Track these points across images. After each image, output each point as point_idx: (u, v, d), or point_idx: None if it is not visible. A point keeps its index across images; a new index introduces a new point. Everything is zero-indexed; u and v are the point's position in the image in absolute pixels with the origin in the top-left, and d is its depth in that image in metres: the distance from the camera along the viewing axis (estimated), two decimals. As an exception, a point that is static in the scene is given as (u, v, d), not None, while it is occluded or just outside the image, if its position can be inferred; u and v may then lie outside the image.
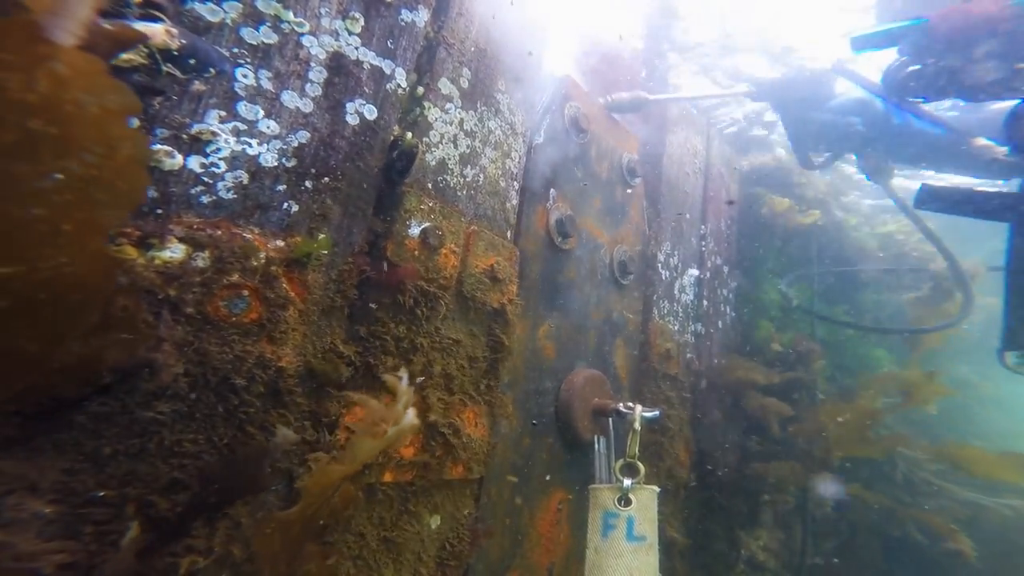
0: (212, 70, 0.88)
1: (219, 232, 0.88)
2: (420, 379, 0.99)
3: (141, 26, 0.76)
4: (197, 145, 0.90)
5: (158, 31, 0.78)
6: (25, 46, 0.60)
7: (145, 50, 0.77)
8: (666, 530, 2.12)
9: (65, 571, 0.65)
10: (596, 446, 1.72)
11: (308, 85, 1.06)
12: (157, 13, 0.79)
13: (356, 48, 1.15)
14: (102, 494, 0.71)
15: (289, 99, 1.03)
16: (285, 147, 1.02)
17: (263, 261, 0.92)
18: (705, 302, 2.60)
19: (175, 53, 0.79)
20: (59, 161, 0.63)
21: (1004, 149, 2.14)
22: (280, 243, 0.98)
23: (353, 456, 0.80)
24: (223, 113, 0.94)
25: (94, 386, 0.71)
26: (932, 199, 2.07)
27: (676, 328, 2.35)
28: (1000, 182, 2.52)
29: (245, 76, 0.97)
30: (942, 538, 2.82)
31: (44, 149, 0.62)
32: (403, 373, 0.93)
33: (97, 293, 0.69)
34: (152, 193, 0.85)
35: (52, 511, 0.66)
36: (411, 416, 0.89)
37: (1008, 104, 1.98)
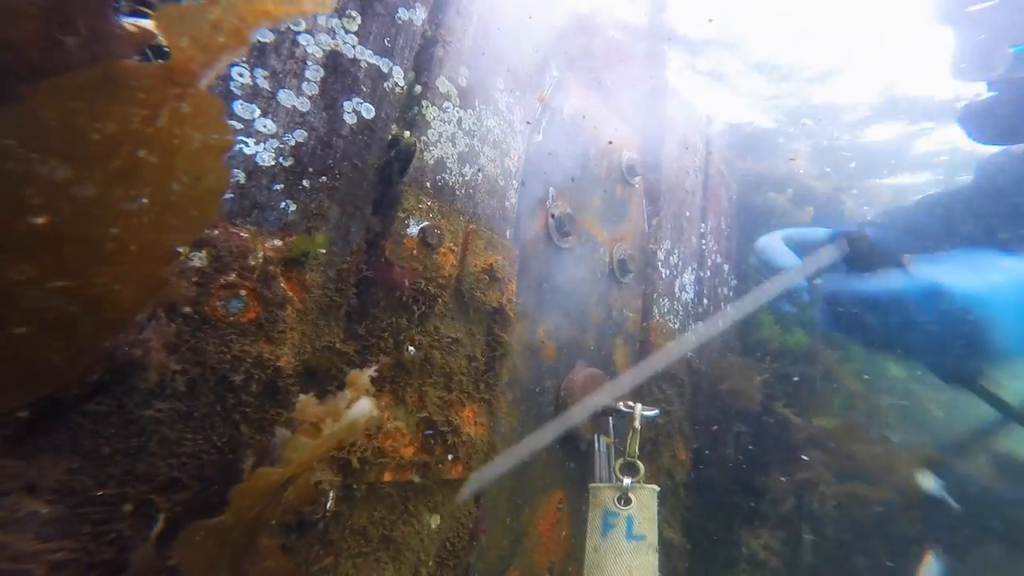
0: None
1: (216, 231, 0.88)
2: (373, 371, 0.93)
3: (130, 21, 0.76)
4: (194, 144, 0.90)
5: (147, 26, 0.77)
6: (159, 87, 0.66)
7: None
8: (666, 529, 2.12)
9: (63, 571, 0.65)
10: (596, 445, 1.72)
11: (305, 84, 1.06)
12: (145, 9, 0.79)
13: (353, 46, 1.15)
14: (100, 493, 0.71)
15: (286, 98, 1.03)
16: (282, 146, 1.02)
17: (261, 260, 0.92)
18: (705, 300, 2.60)
19: (165, 49, 0.79)
20: (149, 187, 0.67)
21: None
22: (278, 242, 0.97)
23: (288, 459, 0.76)
24: (220, 112, 0.94)
25: (91, 386, 0.71)
26: None
27: (676, 327, 2.34)
28: None
29: (241, 75, 0.97)
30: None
31: (142, 175, 0.66)
32: (370, 371, 0.89)
33: (132, 312, 0.72)
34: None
35: (50, 511, 0.66)
36: (362, 409, 0.83)
37: None
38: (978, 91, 2.00)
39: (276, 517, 0.85)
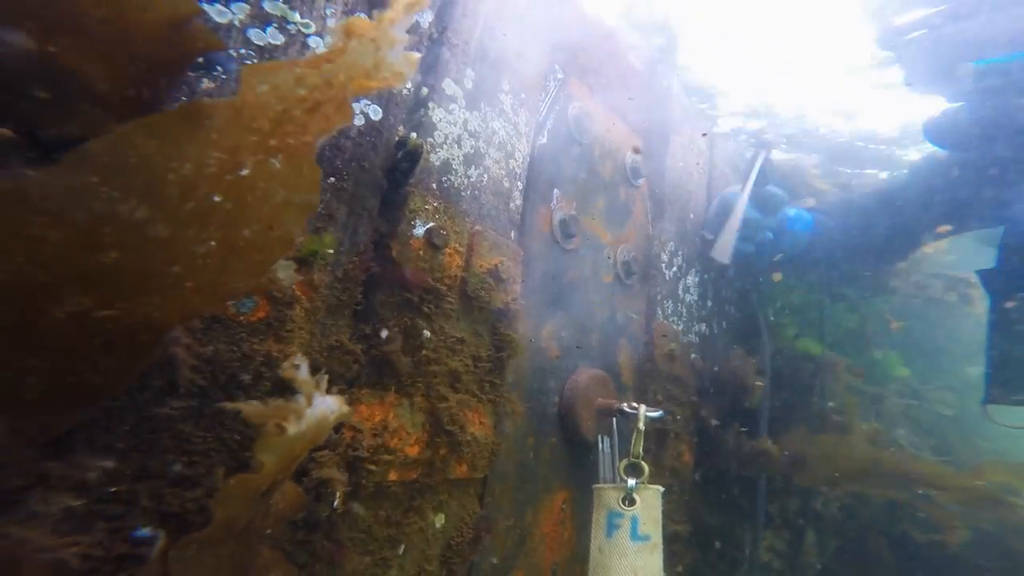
0: (219, 69, 0.89)
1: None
2: (298, 360, 0.86)
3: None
4: (205, 146, 0.91)
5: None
6: (232, 129, 0.65)
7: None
8: (670, 529, 2.12)
9: (81, 564, 0.66)
10: (600, 446, 1.72)
11: (314, 86, 1.07)
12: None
13: (361, 49, 1.16)
14: (115, 489, 0.71)
15: (295, 100, 1.04)
16: (291, 147, 1.03)
17: (270, 260, 0.93)
18: (709, 302, 2.60)
19: None
20: (220, 231, 0.67)
21: None
22: (287, 243, 0.98)
23: (260, 464, 0.74)
24: (230, 114, 0.95)
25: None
26: None
27: (680, 328, 2.34)
28: None
29: (252, 77, 0.98)
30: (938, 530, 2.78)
31: (214, 219, 0.66)
32: (300, 362, 0.84)
33: (163, 336, 0.72)
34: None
35: (67, 506, 0.67)
36: (328, 406, 0.80)
37: None
38: (936, 103, 2.24)
39: (269, 527, 0.84)
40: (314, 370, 1.03)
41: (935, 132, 2.18)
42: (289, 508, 0.86)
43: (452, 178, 1.38)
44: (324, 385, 0.83)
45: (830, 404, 2.75)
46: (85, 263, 0.59)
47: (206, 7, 0.91)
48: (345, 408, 0.84)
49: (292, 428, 0.76)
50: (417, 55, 0.76)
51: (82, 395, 0.66)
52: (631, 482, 1.52)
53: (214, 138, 0.64)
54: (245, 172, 0.66)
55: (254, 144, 0.67)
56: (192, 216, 0.64)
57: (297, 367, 0.83)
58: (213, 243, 0.66)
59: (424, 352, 1.23)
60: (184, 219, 0.64)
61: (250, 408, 0.77)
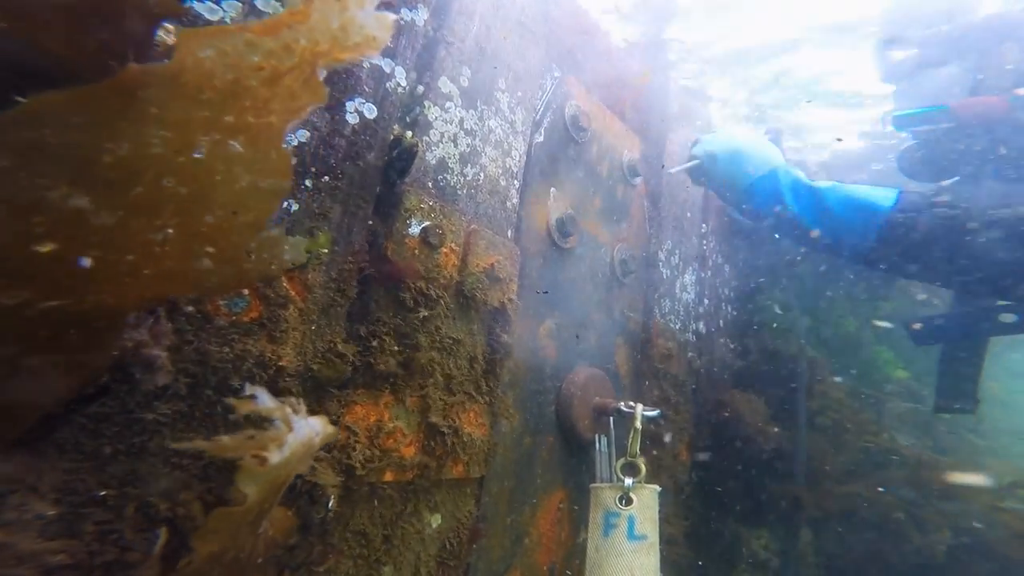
0: None
1: (219, 231, 0.87)
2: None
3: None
4: (196, 144, 0.90)
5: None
6: (173, 101, 0.58)
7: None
8: (667, 529, 2.12)
9: (66, 571, 0.65)
10: (597, 445, 1.72)
11: (308, 84, 1.06)
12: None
13: (356, 47, 1.15)
14: (103, 494, 0.70)
15: (289, 98, 1.03)
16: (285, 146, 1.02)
17: (263, 260, 0.92)
18: (706, 300, 2.60)
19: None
20: (176, 218, 0.61)
21: None
22: (280, 242, 0.97)
23: (243, 496, 0.69)
24: (222, 112, 0.93)
25: (98, 387, 0.71)
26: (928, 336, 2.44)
27: (677, 327, 2.34)
28: None
29: (244, 75, 0.97)
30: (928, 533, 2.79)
31: (169, 206, 0.60)
32: (254, 392, 0.77)
33: (121, 322, 0.68)
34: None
35: (53, 511, 0.66)
36: (310, 427, 0.75)
37: None
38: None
39: (261, 555, 0.81)
40: (308, 372, 1.03)
41: (900, 162, 2.42)
42: (280, 534, 0.84)
43: (448, 177, 1.37)
44: (303, 408, 0.77)
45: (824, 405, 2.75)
46: (16, 255, 0.53)
47: (196, 5, 0.90)
48: (331, 429, 0.80)
49: (275, 457, 0.72)
50: (392, 16, 0.69)
51: (38, 389, 0.62)
52: (628, 481, 1.52)
53: (153, 113, 0.56)
54: (200, 155, 0.60)
55: (205, 121, 0.59)
56: (141, 203, 0.58)
57: (253, 398, 0.76)
58: (170, 230, 0.60)
59: (419, 352, 1.23)
60: (132, 205, 0.57)
61: (222, 444, 0.72)
